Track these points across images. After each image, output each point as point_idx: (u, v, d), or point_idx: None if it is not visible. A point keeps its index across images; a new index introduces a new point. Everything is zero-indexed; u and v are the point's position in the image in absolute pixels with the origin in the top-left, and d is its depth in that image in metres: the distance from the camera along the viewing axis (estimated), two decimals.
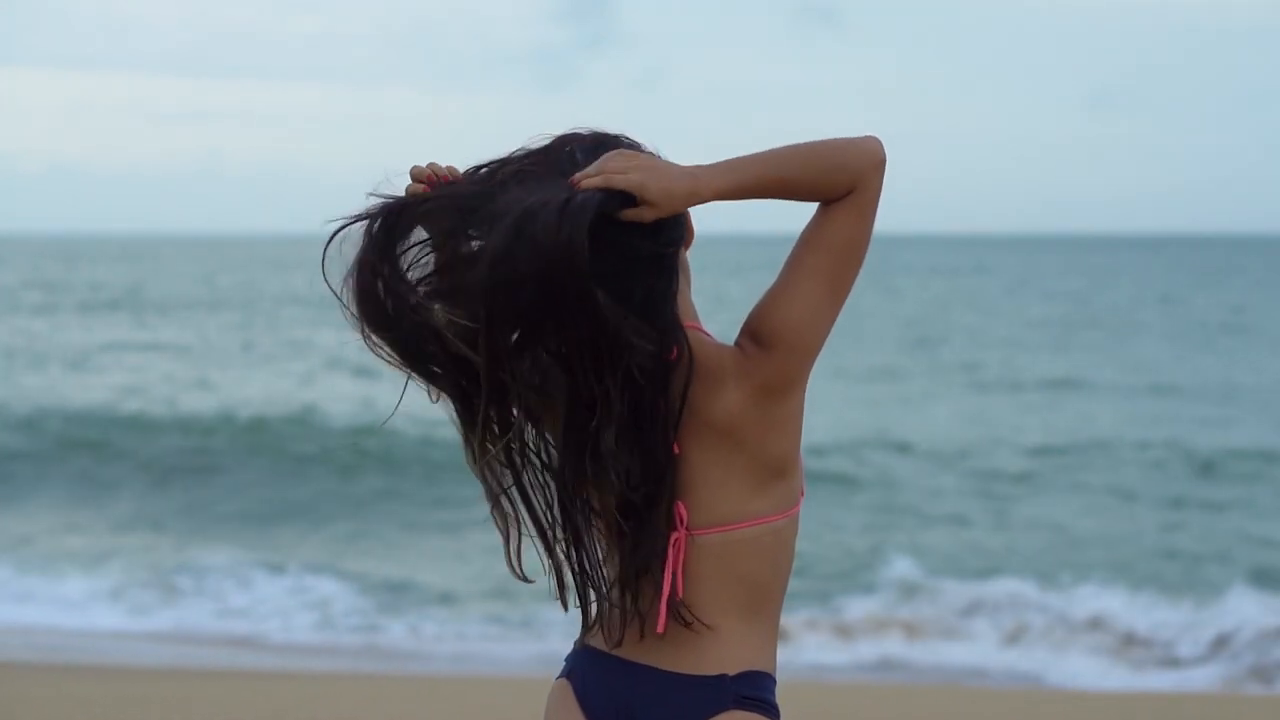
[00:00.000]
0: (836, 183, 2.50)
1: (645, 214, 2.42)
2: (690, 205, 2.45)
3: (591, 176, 2.40)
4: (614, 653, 2.57)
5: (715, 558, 2.53)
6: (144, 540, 15.97)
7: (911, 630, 11.98)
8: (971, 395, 29.26)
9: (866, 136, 2.54)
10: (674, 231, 2.50)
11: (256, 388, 29.81)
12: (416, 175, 2.50)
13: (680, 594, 2.52)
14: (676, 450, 2.51)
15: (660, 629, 2.51)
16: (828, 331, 2.54)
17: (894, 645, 11.72)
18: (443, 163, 2.55)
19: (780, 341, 2.50)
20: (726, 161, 2.48)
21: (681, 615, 2.51)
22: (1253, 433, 23.54)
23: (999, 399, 28.79)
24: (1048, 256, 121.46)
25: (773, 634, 2.61)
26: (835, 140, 2.52)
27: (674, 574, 2.51)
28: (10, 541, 15.58)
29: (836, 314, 2.54)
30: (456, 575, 14.51)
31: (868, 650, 11.65)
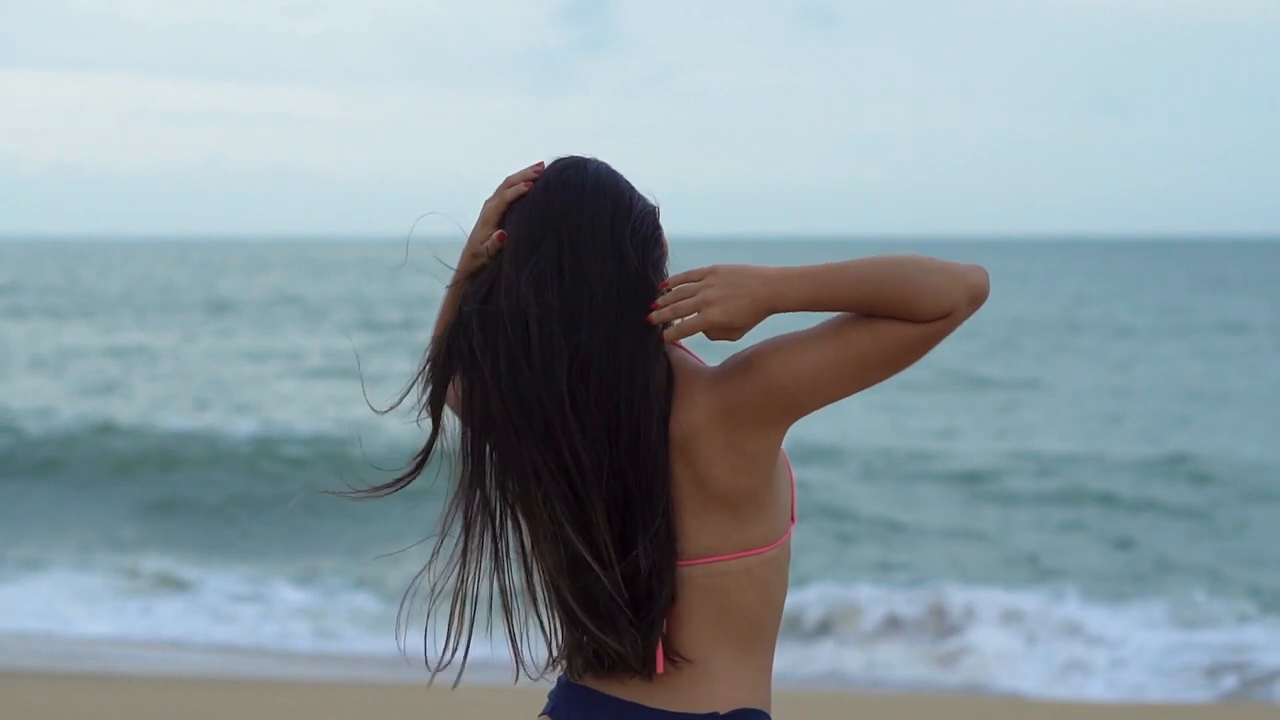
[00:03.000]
0: (926, 311, 2.29)
1: (732, 336, 2.36)
2: (767, 315, 2.33)
3: (669, 330, 2.34)
4: (600, 689, 2.46)
5: (703, 590, 2.40)
6: (142, 544, 15.98)
7: (883, 640, 11.89)
8: (957, 398, 29.26)
9: (973, 267, 2.31)
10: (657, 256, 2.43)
11: (255, 393, 29.83)
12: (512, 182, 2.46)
13: (668, 629, 2.41)
14: None
15: (660, 669, 2.40)
16: (824, 403, 2.35)
17: (878, 655, 11.58)
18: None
19: (768, 378, 2.33)
20: (812, 270, 2.32)
21: (670, 656, 2.41)
22: (1238, 437, 23.55)
23: (986, 399, 28.81)
24: (1047, 258, 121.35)
25: (767, 669, 2.48)
26: (937, 264, 2.30)
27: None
28: (8, 545, 15.59)
29: (844, 395, 2.35)
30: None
31: (845, 658, 11.49)
